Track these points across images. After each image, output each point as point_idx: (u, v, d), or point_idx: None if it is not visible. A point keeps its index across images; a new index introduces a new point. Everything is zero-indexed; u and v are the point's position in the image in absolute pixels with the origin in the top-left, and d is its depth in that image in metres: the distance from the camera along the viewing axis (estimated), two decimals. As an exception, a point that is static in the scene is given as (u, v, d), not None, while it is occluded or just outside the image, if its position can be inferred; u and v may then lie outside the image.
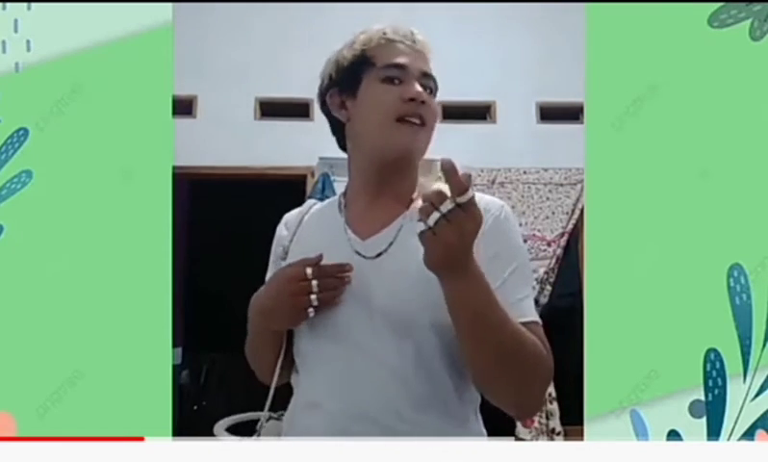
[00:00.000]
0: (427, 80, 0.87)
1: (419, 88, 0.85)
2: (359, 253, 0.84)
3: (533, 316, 0.81)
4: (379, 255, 0.83)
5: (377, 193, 0.88)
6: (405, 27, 0.90)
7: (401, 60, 0.86)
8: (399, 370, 0.78)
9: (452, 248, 0.67)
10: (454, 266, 0.70)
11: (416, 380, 0.78)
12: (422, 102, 0.84)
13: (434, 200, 0.66)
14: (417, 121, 0.84)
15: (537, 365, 0.77)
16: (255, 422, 0.89)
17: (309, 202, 0.99)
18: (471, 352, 0.75)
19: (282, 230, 0.96)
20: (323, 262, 0.80)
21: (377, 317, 0.80)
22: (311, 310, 0.79)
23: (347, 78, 0.89)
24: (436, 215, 0.66)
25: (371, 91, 0.86)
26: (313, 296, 0.78)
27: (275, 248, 0.95)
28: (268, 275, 0.96)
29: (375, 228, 0.86)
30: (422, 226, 0.68)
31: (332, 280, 0.80)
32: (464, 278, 0.71)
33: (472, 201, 0.66)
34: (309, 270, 0.79)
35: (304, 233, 0.93)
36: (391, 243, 0.84)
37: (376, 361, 0.79)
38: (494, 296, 0.73)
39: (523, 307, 0.80)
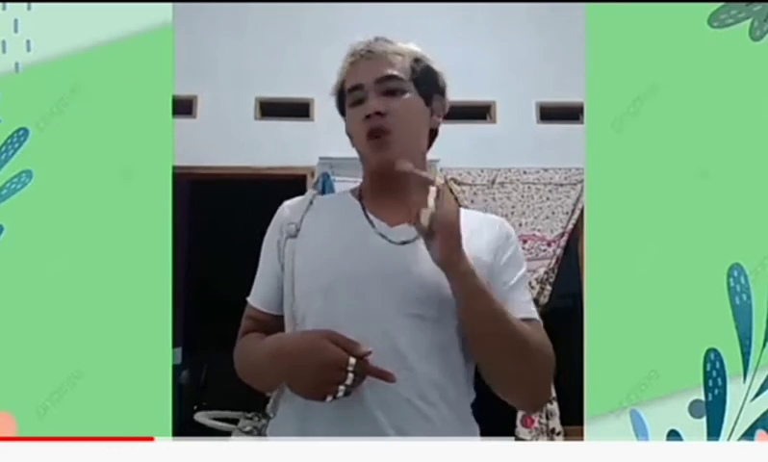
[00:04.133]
0: (386, 82, 0.90)
1: (373, 102, 0.89)
2: (384, 236, 0.87)
3: (537, 316, 0.90)
4: (405, 243, 0.86)
5: (393, 188, 0.90)
6: (368, 39, 0.94)
7: (357, 79, 0.92)
8: (410, 358, 0.80)
9: (451, 233, 0.76)
10: (459, 254, 0.78)
11: (426, 370, 0.80)
12: (378, 113, 0.88)
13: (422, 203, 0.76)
14: (378, 135, 0.89)
15: (544, 357, 0.85)
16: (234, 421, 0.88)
17: (311, 191, 1.00)
18: (481, 347, 0.83)
19: (285, 213, 0.96)
20: (364, 350, 0.75)
21: (400, 302, 0.82)
22: (331, 397, 0.74)
23: (339, 107, 0.99)
24: (427, 211, 0.75)
25: (347, 118, 0.95)
26: (342, 387, 0.74)
27: (285, 227, 0.93)
28: (268, 260, 0.94)
29: (402, 219, 0.87)
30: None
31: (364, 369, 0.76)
32: (469, 268, 0.78)
33: (442, 189, 0.77)
34: (353, 361, 0.73)
35: (316, 215, 0.94)
36: (417, 236, 0.84)
37: (391, 348, 0.79)
38: (495, 296, 0.81)
39: (530, 308, 0.89)
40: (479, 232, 0.91)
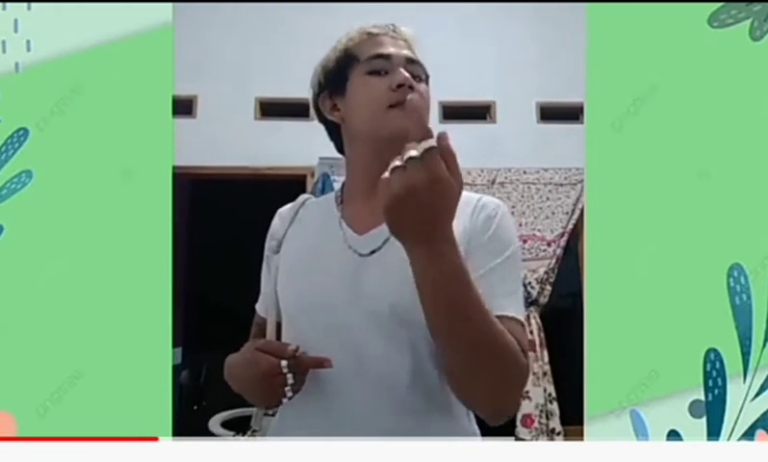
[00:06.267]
0: (414, 66, 0.86)
1: (406, 73, 0.83)
2: (353, 249, 0.84)
3: (515, 312, 0.78)
4: (373, 252, 0.83)
5: (375, 190, 0.86)
6: (386, 22, 0.90)
7: (384, 50, 0.86)
8: (390, 377, 0.78)
9: (399, 198, 0.62)
10: (409, 225, 0.64)
11: (406, 385, 0.78)
12: (411, 87, 0.83)
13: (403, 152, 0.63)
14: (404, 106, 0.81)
15: (512, 363, 0.72)
16: (250, 417, 0.89)
17: (303, 196, 0.99)
18: (438, 337, 0.70)
19: (276, 223, 0.96)
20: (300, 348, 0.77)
21: (369, 316, 0.79)
22: (285, 399, 0.77)
23: (335, 79, 0.89)
24: (396, 162, 0.62)
25: (359, 85, 0.86)
26: (287, 388, 0.75)
27: (268, 242, 0.95)
28: (263, 270, 0.96)
29: (372, 224, 0.85)
30: None
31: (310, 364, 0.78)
32: (424, 246, 0.65)
33: (430, 152, 0.61)
34: (284, 363, 0.75)
35: (298, 227, 0.93)
36: (386, 240, 0.82)
37: (366, 366, 0.79)
38: (468, 282, 0.67)
39: (505, 302, 0.78)
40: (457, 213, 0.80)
